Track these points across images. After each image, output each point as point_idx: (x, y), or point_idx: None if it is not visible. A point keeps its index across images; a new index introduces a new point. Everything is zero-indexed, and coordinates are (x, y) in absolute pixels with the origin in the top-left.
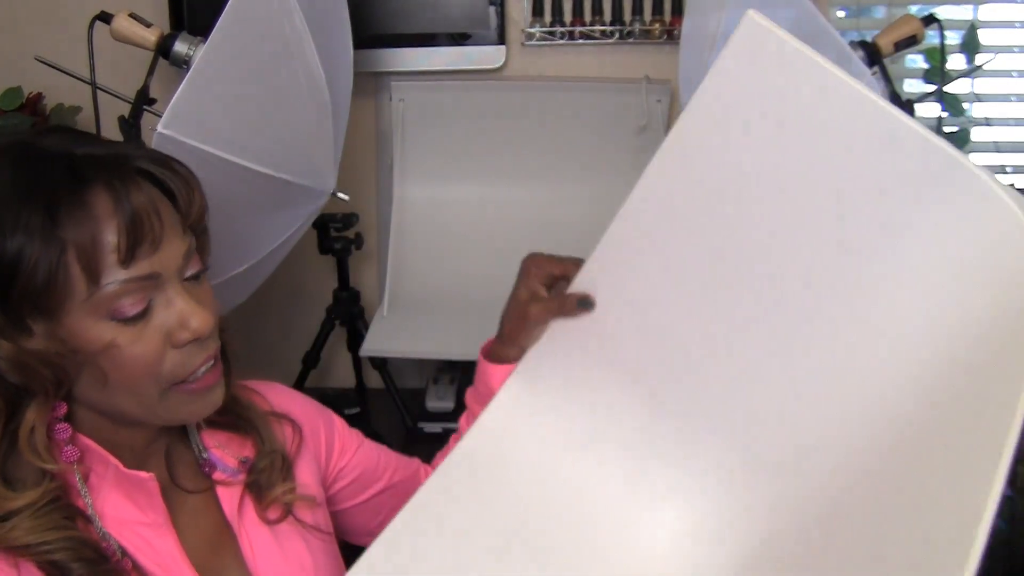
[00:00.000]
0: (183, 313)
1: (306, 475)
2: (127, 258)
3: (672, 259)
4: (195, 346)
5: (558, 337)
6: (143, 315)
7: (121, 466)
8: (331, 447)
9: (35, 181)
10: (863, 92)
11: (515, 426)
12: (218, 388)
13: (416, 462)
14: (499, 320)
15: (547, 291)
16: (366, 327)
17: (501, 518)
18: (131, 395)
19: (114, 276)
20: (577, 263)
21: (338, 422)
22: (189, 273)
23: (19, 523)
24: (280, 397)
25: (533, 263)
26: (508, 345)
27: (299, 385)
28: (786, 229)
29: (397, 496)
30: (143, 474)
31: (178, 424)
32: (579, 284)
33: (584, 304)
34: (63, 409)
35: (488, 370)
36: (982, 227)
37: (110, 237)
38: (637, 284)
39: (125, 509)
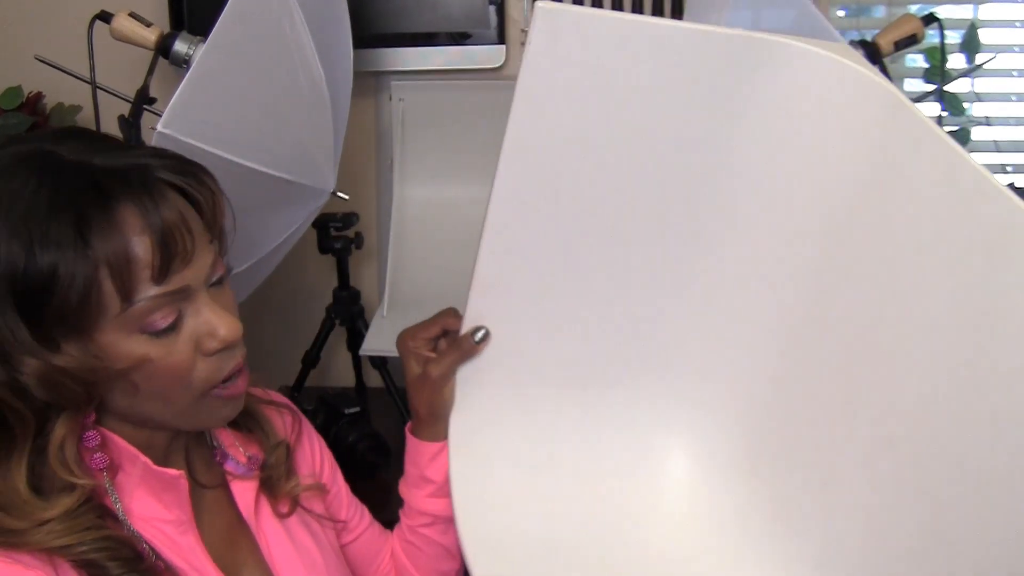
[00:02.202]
0: (211, 322)
1: (304, 466)
2: (160, 276)
3: (545, 258)
4: (224, 353)
5: (471, 387)
6: (173, 327)
7: (151, 463)
8: (323, 468)
9: (61, 194)
10: (657, 24)
11: (491, 490)
12: (246, 393)
13: (389, 536)
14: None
15: (434, 353)
16: (366, 326)
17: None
18: (161, 403)
19: (146, 292)
20: (447, 312)
21: (332, 457)
22: (214, 279)
23: (53, 526)
24: (277, 396)
25: (407, 336)
26: (429, 423)
27: (299, 385)
28: (641, 182)
29: (360, 553)
30: (173, 472)
31: (205, 429)
32: (468, 323)
33: (480, 336)
34: (92, 417)
35: (420, 449)
36: (813, 86)
37: (143, 255)
38: (521, 299)
39: (150, 507)
